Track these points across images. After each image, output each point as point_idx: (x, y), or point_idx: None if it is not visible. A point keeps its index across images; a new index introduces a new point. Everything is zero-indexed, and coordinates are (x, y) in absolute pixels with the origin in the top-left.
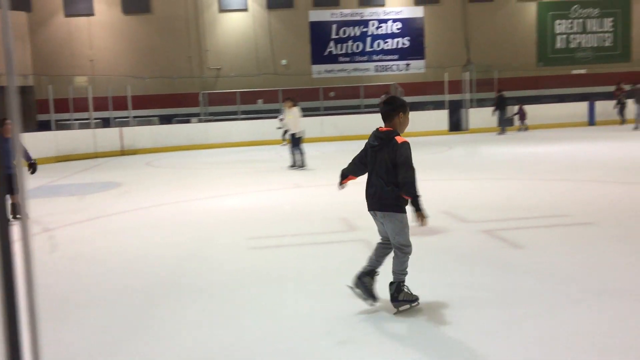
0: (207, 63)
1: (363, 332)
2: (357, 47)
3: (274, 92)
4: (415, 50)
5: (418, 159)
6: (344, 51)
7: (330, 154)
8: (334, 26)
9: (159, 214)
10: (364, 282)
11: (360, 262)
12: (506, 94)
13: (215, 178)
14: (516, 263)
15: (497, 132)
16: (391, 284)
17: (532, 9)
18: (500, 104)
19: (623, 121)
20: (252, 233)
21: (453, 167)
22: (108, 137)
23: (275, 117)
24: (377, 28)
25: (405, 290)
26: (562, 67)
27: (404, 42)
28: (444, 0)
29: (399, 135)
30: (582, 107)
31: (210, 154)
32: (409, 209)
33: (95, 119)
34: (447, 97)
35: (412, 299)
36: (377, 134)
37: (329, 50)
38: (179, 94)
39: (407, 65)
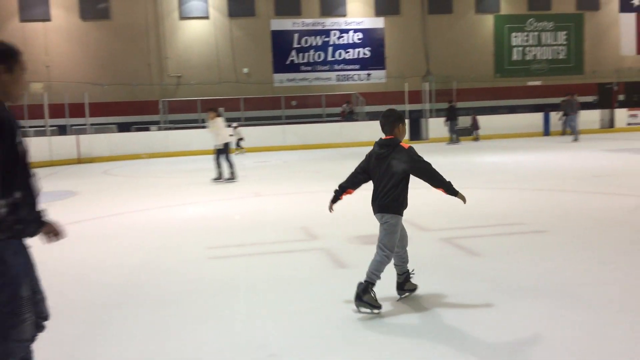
0: (168, 70)
1: (329, 339)
2: (319, 56)
3: (235, 100)
4: (376, 61)
5: None
6: (305, 60)
7: (292, 163)
8: (296, 35)
9: (116, 223)
10: (409, 288)
11: (320, 271)
12: (457, 105)
13: (174, 187)
14: (473, 270)
15: (447, 142)
16: (360, 283)
17: (489, 22)
18: (451, 114)
19: (564, 132)
20: (211, 242)
21: (413, 176)
22: (64, 145)
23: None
24: (339, 38)
25: (372, 294)
26: (518, 79)
27: (365, 52)
28: (404, 11)
29: (400, 142)
30: (538, 117)
31: (171, 162)
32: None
33: (51, 126)
34: (408, 107)
35: (374, 305)
36: (382, 142)
37: (290, 59)
38: (139, 102)
39: (368, 75)
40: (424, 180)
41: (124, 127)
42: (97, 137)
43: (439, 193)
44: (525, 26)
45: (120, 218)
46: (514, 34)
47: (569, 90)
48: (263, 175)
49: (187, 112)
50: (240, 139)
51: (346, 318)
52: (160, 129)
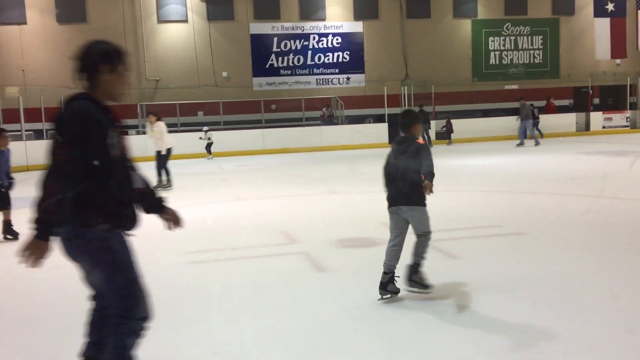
0: (146, 74)
1: (308, 344)
2: (298, 60)
3: (214, 104)
4: (355, 64)
5: (360, 171)
6: (285, 64)
7: (272, 167)
8: (275, 39)
9: None
10: (392, 290)
11: (300, 275)
12: (427, 109)
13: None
14: (450, 273)
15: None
16: (409, 265)
17: (467, 26)
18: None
19: (540, 135)
20: (190, 247)
21: None
22: (41, 150)
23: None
24: (318, 42)
25: (421, 274)
26: (495, 83)
27: (344, 56)
28: (382, 16)
29: (417, 139)
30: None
31: (149, 167)
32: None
33: (27, 130)
34: (387, 111)
35: (425, 285)
36: (400, 139)
37: (270, 63)
38: (116, 105)
39: (348, 78)
40: (423, 166)
41: None
42: None
43: None
44: (502, 31)
45: None
46: (491, 39)
47: (548, 94)
48: (243, 179)
49: (166, 116)
50: (210, 143)
51: (326, 322)
52: (138, 133)
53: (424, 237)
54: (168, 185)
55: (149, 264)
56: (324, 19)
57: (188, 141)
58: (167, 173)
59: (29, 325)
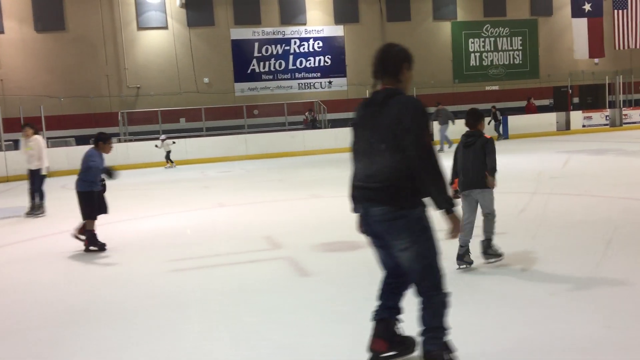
0: (126, 82)
1: (291, 349)
2: (280, 65)
3: (196, 110)
4: (337, 68)
5: (344, 175)
6: (266, 69)
7: (255, 172)
8: (256, 44)
9: (73, 239)
10: (487, 246)
11: (284, 280)
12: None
13: (136, 199)
14: None
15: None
16: (482, 241)
17: (447, 28)
18: None
19: (499, 136)
20: (173, 255)
21: None
22: (20, 160)
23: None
24: (299, 46)
25: (494, 247)
26: (476, 84)
27: (325, 60)
28: (363, 19)
29: (484, 134)
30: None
31: (131, 174)
32: None
33: (6, 141)
34: None
35: (498, 254)
36: (468, 133)
37: (251, 68)
38: (97, 114)
39: (330, 82)
40: (487, 159)
41: (82, 140)
42: (55, 151)
43: None
44: (482, 32)
45: None
46: (471, 40)
47: (528, 94)
48: (226, 185)
49: (148, 123)
50: (169, 152)
51: (309, 327)
52: (120, 141)
53: (490, 215)
54: (40, 211)
55: (130, 273)
56: (304, 24)
57: (170, 148)
58: (42, 197)
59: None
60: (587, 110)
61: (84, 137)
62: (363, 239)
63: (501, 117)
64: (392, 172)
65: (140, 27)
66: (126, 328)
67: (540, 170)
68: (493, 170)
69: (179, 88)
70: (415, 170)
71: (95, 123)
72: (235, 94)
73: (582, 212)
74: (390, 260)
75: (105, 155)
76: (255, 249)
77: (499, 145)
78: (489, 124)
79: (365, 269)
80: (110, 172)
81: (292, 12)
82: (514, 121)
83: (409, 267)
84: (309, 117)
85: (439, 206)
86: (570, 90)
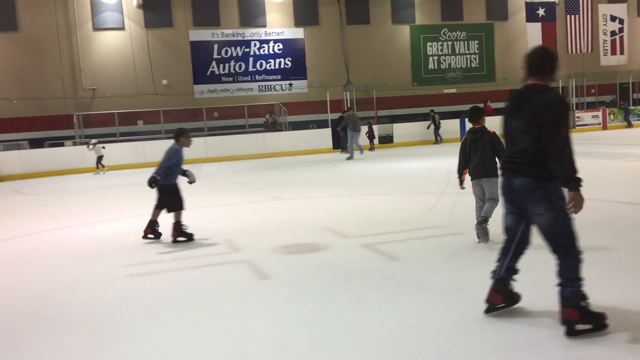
0: (82, 83)
1: (249, 352)
2: (240, 67)
3: (155, 112)
4: (297, 71)
5: (304, 177)
6: (226, 71)
7: (215, 175)
8: (216, 46)
9: (27, 244)
10: (483, 227)
11: (243, 283)
12: (368, 114)
13: (91, 204)
14: (392, 275)
15: (340, 151)
16: (482, 217)
17: (405, 32)
18: (344, 125)
19: (437, 140)
20: (130, 260)
21: (336, 184)
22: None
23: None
24: (259, 48)
25: (486, 227)
26: (435, 87)
27: (286, 62)
28: (323, 22)
29: (487, 129)
30: (455, 123)
31: (87, 178)
32: None
33: None
34: (330, 116)
35: (487, 235)
36: (474, 130)
37: (211, 70)
38: (52, 116)
39: (290, 85)
40: (496, 153)
41: (36, 143)
42: (7, 155)
43: (361, 200)
44: (440, 36)
45: (32, 239)
46: (429, 44)
47: (484, 97)
48: (185, 188)
49: (104, 125)
50: (101, 156)
51: (268, 330)
52: (75, 144)
53: (492, 201)
54: None
55: (86, 278)
56: (264, 26)
57: (127, 151)
58: None
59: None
60: None
61: (38, 140)
62: (323, 241)
63: (440, 122)
64: (533, 152)
65: (96, 28)
66: (85, 335)
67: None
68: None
69: (136, 90)
70: (549, 154)
71: (50, 126)
72: (194, 96)
73: None
74: (516, 227)
75: (69, 157)
76: (214, 252)
77: (436, 148)
78: (428, 128)
79: (325, 271)
80: (183, 170)
81: (251, 14)
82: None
83: (546, 229)
84: (270, 119)
85: (567, 186)
86: None
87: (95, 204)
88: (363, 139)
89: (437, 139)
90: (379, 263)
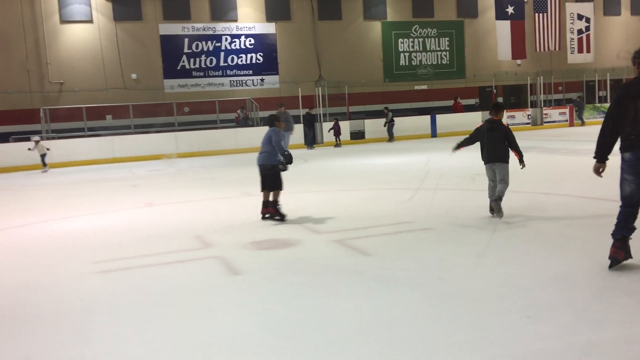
0: (49, 77)
1: (220, 349)
2: (211, 61)
3: (124, 107)
4: (269, 66)
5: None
6: (197, 66)
7: (186, 171)
8: (186, 40)
9: None
10: (498, 204)
11: (214, 279)
12: (314, 111)
13: (59, 200)
14: (363, 270)
15: (306, 148)
16: (496, 196)
17: (377, 28)
18: (308, 121)
19: (390, 138)
20: (99, 257)
21: (308, 180)
22: None
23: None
24: (231, 43)
25: (500, 205)
26: (406, 83)
27: (257, 57)
28: (294, 17)
29: (502, 123)
30: (425, 120)
31: (54, 173)
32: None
33: None
34: (302, 112)
35: (501, 211)
36: (492, 121)
37: (181, 64)
38: (17, 110)
39: (262, 80)
40: (510, 145)
41: (1, 138)
42: None
43: (333, 196)
44: (411, 33)
45: None
46: (400, 40)
47: (455, 94)
48: (155, 184)
49: (72, 120)
50: (44, 155)
51: (240, 326)
52: (42, 138)
53: (503, 182)
54: None
55: (55, 275)
56: (235, 20)
57: (96, 146)
58: None
59: None
60: (511, 109)
61: (3, 134)
62: (295, 236)
63: (393, 119)
64: None
65: (64, 21)
66: (54, 332)
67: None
68: (521, 155)
69: (105, 84)
70: None
71: (16, 120)
72: (164, 90)
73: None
74: (637, 195)
75: (30, 153)
76: (185, 248)
77: (389, 146)
78: (385, 125)
79: (297, 267)
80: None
81: (222, 8)
82: (441, 120)
83: None
84: (241, 115)
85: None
86: (495, 91)
87: (64, 200)
88: (329, 135)
89: (390, 137)
90: (350, 258)
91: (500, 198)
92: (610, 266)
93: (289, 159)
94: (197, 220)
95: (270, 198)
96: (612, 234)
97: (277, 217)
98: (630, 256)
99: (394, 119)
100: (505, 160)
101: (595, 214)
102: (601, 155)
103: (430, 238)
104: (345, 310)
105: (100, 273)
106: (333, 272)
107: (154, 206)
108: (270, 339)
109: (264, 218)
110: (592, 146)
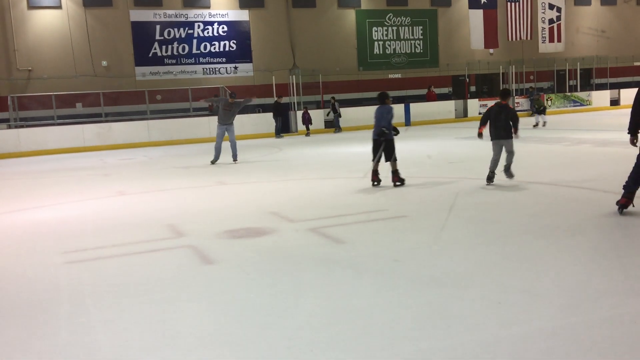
0: (16, 64)
1: (192, 339)
2: (183, 49)
3: (94, 95)
4: (242, 54)
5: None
6: (169, 53)
7: (158, 159)
8: (158, 27)
9: None
10: (510, 172)
11: (187, 269)
12: (282, 100)
13: (27, 189)
14: (338, 258)
15: (274, 137)
16: (506, 165)
17: (351, 16)
18: (276, 110)
19: (337, 129)
20: (68, 246)
21: (282, 168)
22: None
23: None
24: (203, 30)
25: (511, 170)
26: (380, 72)
27: (231, 45)
28: (268, 4)
29: (509, 106)
30: (400, 108)
31: (23, 162)
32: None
33: None
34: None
35: (512, 174)
36: (500, 104)
37: (153, 51)
38: None
39: (235, 68)
40: (513, 125)
41: None
42: None
43: (306, 184)
44: (385, 21)
45: None
46: (374, 29)
47: (428, 83)
48: (127, 173)
49: (41, 108)
50: None
51: (213, 315)
52: (10, 127)
53: (511, 152)
54: None
55: (23, 265)
56: (208, 7)
57: (66, 134)
58: None
59: None
60: (483, 98)
61: None
62: (269, 225)
63: (340, 110)
64: None
65: (31, 6)
66: (21, 323)
67: (429, 155)
68: (518, 125)
69: (74, 71)
70: None
71: None
72: (136, 78)
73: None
74: None
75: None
76: (157, 237)
77: (337, 136)
78: (327, 115)
79: (271, 256)
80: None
81: None
82: (415, 108)
83: None
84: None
85: None
86: (468, 79)
87: (32, 190)
88: (299, 124)
89: (337, 128)
90: (324, 246)
91: (509, 165)
92: (621, 211)
93: (397, 132)
94: (170, 210)
95: (392, 168)
96: (623, 187)
97: (398, 184)
98: (632, 204)
99: (340, 109)
100: (510, 136)
101: (567, 199)
102: (633, 130)
103: (403, 226)
104: (317, 298)
105: (69, 263)
106: (306, 260)
107: (126, 195)
108: (242, 328)
109: (374, 185)
110: (563, 134)
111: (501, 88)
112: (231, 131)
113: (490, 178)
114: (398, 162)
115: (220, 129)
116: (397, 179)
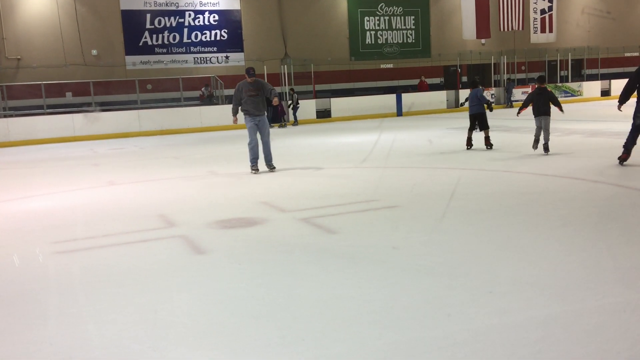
0: (5, 52)
1: (184, 329)
2: (174, 38)
3: (84, 84)
4: (234, 43)
5: (241, 151)
6: (160, 42)
7: (149, 149)
8: (148, 15)
9: None
10: (546, 146)
11: (178, 259)
12: (306, 88)
13: (17, 179)
14: (330, 247)
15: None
16: (544, 144)
17: (343, 5)
18: (267, 100)
19: (294, 122)
20: (58, 237)
21: (276, 158)
22: None
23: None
24: (194, 19)
25: (549, 147)
26: (372, 62)
27: (222, 34)
28: None
29: (547, 88)
30: (391, 98)
31: (12, 152)
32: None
33: None
34: None
35: (548, 148)
36: (540, 88)
37: (144, 40)
38: None
39: (227, 57)
40: (553, 103)
41: None
42: None
43: (299, 174)
44: (377, 11)
45: None
46: (366, 18)
47: (420, 73)
48: (118, 163)
49: (30, 97)
50: None
51: (204, 304)
52: None
53: (547, 131)
54: None
55: (12, 255)
56: None
57: (56, 124)
58: None
59: None
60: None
61: None
62: (260, 215)
63: (299, 102)
64: None
65: None
66: (11, 313)
67: (430, 139)
68: (561, 107)
69: (64, 60)
70: None
71: None
72: (126, 67)
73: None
74: None
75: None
76: (148, 227)
77: (292, 130)
78: (289, 107)
79: (262, 245)
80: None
81: None
82: (407, 99)
83: None
84: (206, 92)
85: None
86: (459, 70)
87: (22, 179)
88: (299, 114)
89: (294, 121)
90: (316, 236)
91: (547, 142)
92: (622, 163)
93: (490, 105)
94: (161, 199)
95: (484, 135)
96: (623, 145)
97: (488, 147)
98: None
99: (300, 101)
100: (548, 114)
101: (558, 189)
102: (623, 101)
103: (396, 215)
104: (310, 288)
105: (59, 253)
106: (298, 250)
107: (116, 185)
108: (234, 318)
109: (468, 149)
110: (554, 125)
111: (538, 75)
112: (264, 126)
113: (536, 141)
114: (486, 132)
115: (250, 122)
116: (489, 144)
